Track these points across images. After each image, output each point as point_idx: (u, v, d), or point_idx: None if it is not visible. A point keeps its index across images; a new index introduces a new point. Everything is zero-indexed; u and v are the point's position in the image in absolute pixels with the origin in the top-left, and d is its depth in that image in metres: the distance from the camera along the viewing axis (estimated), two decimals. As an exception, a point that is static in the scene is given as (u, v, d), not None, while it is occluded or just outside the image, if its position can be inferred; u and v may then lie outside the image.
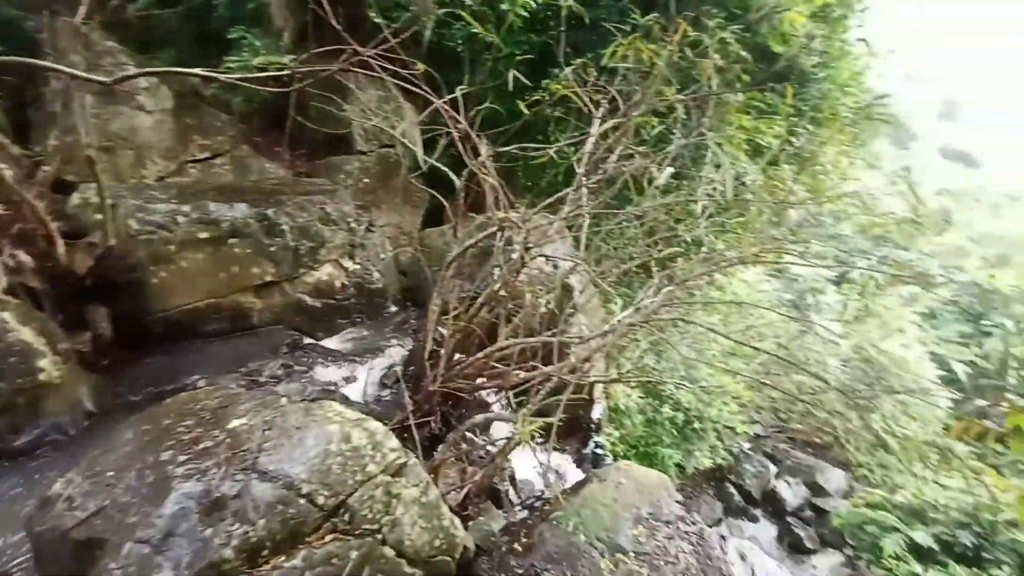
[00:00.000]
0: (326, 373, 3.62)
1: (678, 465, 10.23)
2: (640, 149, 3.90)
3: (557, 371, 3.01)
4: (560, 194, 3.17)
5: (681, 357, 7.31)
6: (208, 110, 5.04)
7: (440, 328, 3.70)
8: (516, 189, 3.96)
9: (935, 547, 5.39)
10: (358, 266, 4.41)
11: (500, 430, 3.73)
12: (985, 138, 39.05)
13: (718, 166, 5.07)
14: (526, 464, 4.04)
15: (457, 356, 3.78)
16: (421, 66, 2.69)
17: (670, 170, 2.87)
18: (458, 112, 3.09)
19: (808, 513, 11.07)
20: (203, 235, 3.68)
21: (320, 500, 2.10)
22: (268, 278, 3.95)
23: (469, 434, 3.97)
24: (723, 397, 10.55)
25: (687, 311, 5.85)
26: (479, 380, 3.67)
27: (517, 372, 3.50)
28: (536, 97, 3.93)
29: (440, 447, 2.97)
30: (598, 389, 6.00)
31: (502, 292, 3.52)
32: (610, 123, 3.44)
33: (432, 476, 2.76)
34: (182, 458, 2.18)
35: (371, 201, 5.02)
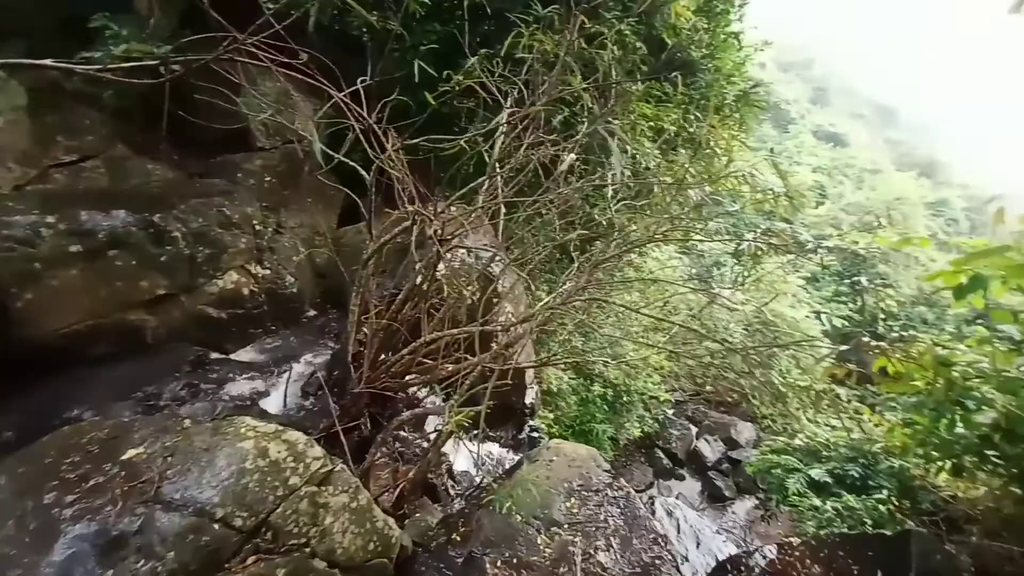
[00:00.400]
0: (239, 388, 3.36)
1: (612, 438, 10.80)
2: (551, 137, 4.00)
3: (484, 360, 3.03)
4: (472, 184, 3.16)
5: (606, 336, 7.65)
6: (73, 107, 4.40)
7: (363, 328, 3.58)
8: (431, 182, 3.89)
9: (830, 481, 6.08)
10: (268, 271, 4.10)
11: (436, 426, 3.70)
12: (848, 121, 44.51)
13: (625, 152, 5.33)
14: (464, 456, 4.04)
15: (383, 356, 3.67)
16: (304, 56, 2.53)
17: (572, 156, 2.96)
18: (362, 104, 2.96)
19: (726, 466, 12.20)
20: (75, 248, 3.22)
21: (237, 522, 1.96)
22: (161, 291, 3.55)
23: (402, 433, 3.90)
24: (647, 370, 11.24)
25: (607, 292, 6.12)
26: (408, 377, 3.60)
27: (445, 365, 3.47)
28: (445, 88, 3.87)
29: (370, 450, 2.88)
30: (529, 375, 6.13)
31: (424, 287, 3.46)
32: (519, 113, 3.49)
33: (363, 480, 2.68)
34: (69, 498, 1.94)
35: (278, 201, 4.67)
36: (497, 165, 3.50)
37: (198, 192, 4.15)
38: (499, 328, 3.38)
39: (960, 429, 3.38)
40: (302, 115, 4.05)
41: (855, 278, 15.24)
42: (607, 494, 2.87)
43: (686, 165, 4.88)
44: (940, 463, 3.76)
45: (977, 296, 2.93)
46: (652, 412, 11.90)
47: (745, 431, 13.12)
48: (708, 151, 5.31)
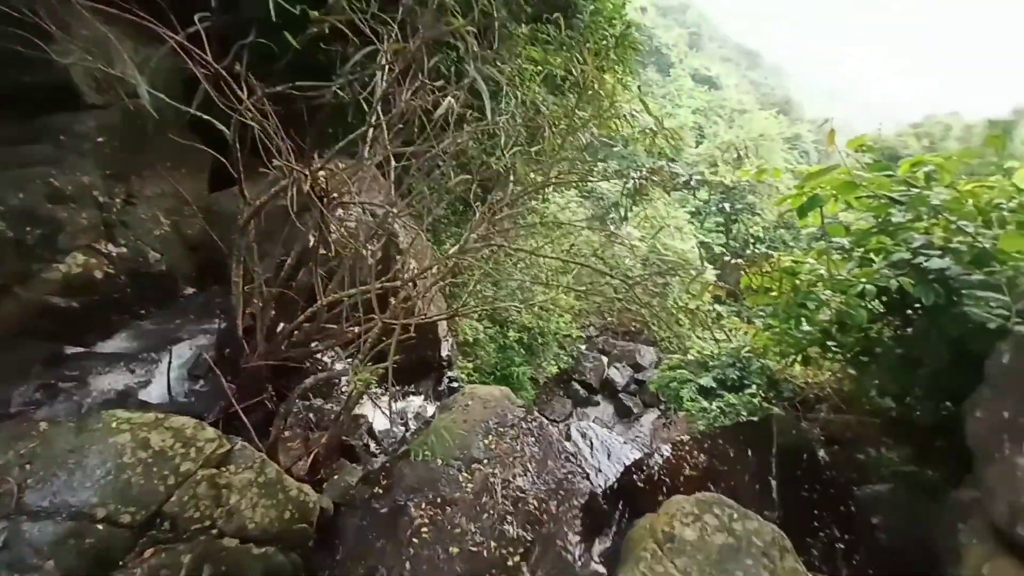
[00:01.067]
0: (109, 382, 2.96)
1: (532, 379, 11.39)
2: (437, 83, 3.80)
3: (386, 318, 2.95)
4: (352, 136, 2.93)
5: (516, 283, 7.82)
6: None
7: (253, 300, 3.29)
8: (310, 136, 3.55)
9: (715, 385, 6.94)
10: (124, 249, 3.54)
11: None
12: (720, 64, 47.70)
13: (515, 97, 5.24)
14: (383, 415, 4.01)
15: (279, 326, 3.43)
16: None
17: (451, 100, 2.85)
18: (207, 49, 2.56)
19: (633, 387, 13.50)
20: None
21: (125, 519, 1.79)
22: (-16, 284, 2.94)
23: (314, 401, 3.75)
24: (558, 312, 11.81)
25: (512, 239, 6.19)
26: (312, 345, 3.42)
27: (351, 328, 3.34)
28: (313, 30, 3.46)
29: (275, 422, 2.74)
30: (442, 328, 6.14)
31: (316, 249, 3.24)
32: (397, 55, 3.24)
33: (270, 453, 2.56)
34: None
35: (126, 167, 3.97)
36: (380, 113, 3.27)
37: (17, 162, 3.40)
38: (400, 284, 3.29)
39: (805, 327, 4.01)
40: (130, 64, 3.42)
41: (727, 208, 17.00)
42: (522, 427, 3.03)
43: (575, 109, 4.94)
44: (793, 357, 4.47)
45: (815, 214, 3.41)
46: (567, 349, 12.69)
47: (648, 355, 14.52)
48: (593, 94, 5.42)
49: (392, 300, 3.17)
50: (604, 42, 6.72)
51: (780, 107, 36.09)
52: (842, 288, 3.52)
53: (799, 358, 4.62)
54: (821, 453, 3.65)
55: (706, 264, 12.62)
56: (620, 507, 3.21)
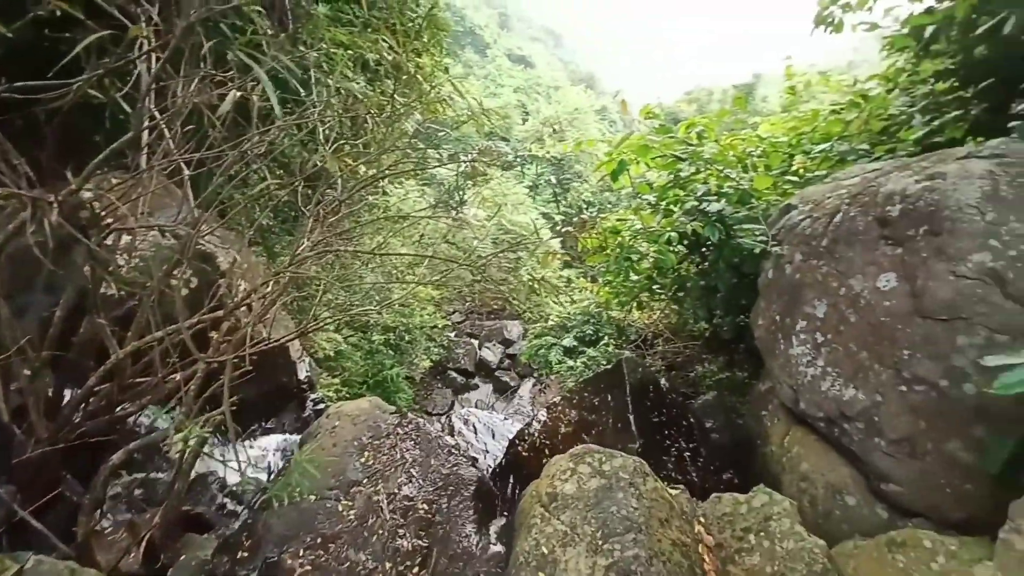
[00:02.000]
0: None
1: (407, 378, 11.10)
2: (228, 73, 3.29)
3: (215, 353, 2.54)
4: (117, 144, 2.37)
5: (370, 283, 7.42)
6: None
7: (20, 370, 2.53)
8: (58, 149, 2.79)
9: (576, 344, 7.57)
10: None
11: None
12: (530, 44, 50.75)
13: (329, 86, 4.85)
14: (237, 464, 3.50)
15: (67, 395, 2.73)
16: None
17: (236, 94, 2.50)
18: None
19: (507, 362, 14.10)
20: None
21: None
22: None
23: (142, 474, 3.09)
24: (420, 304, 11.60)
25: (355, 239, 5.82)
26: (120, 409, 2.79)
27: (172, 376, 2.80)
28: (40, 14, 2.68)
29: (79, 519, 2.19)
30: (294, 349, 5.57)
31: (99, 290, 2.61)
32: (160, 42, 2.70)
33: (84, 555, 2.05)
34: None
35: None
36: (154, 112, 2.73)
37: None
38: (224, 313, 2.85)
39: (634, 277, 4.59)
40: None
41: (556, 180, 18.51)
42: (398, 434, 2.93)
43: (394, 95, 4.78)
44: (629, 304, 5.11)
45: (625, 176, 3.90)
46: (436, 341, 12.63)
47: (515, 329, 15.24)
48: (410, 78, 5.31)
49: (218, 332, 2.73)
50: (411, 24, 6.57)
51: (587, 82, 39.98)
52: (654, 239, 4.10)
53: (634, 304, 5.31)
54: (663, 381, 4.26)
55: (549, 233, 13.58)
56: (511, 482, 3.35)
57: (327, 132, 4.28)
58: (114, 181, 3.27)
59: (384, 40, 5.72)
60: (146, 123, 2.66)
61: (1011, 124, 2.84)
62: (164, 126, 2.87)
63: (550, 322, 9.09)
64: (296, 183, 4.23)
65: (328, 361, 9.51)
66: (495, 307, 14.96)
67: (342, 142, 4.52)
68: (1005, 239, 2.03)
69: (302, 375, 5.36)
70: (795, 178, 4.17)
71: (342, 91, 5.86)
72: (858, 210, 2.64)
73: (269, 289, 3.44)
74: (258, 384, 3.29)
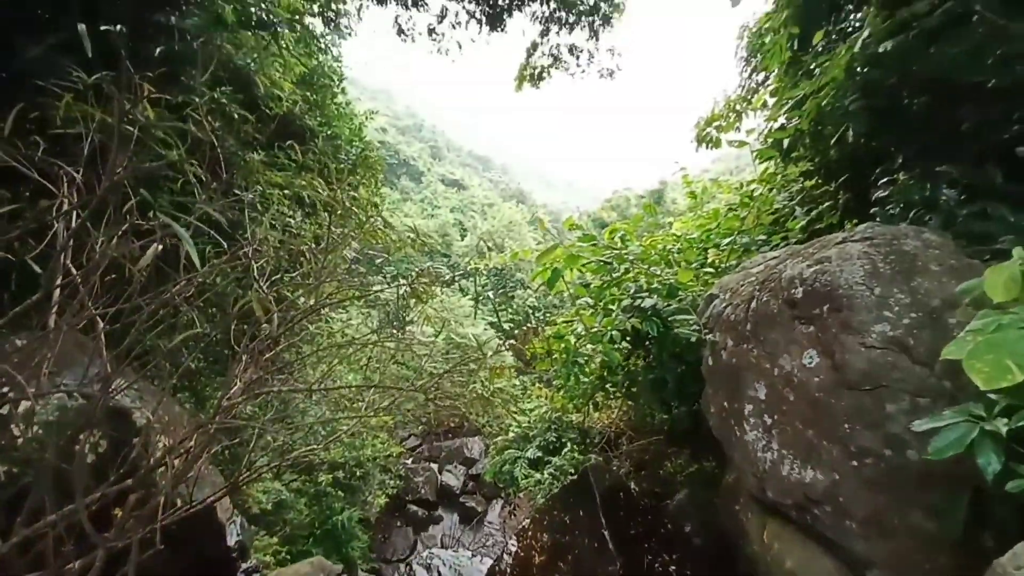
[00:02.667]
0: None
1: (361, 520, 9.88)
2: (156, 223, 3.28)
3: (125, 528, 2.17)
4: (22, 307, 2.22)
5: (313, 417, 6.91)
6: None
7: None
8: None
9: (540, 454, 7.20)
10: None
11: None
12: (462, 169, 55.70)
13: (261, 222, 4.95)
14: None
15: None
16: None
17: (157, 246, 2.49)
18: None
19: (471, 485, 13.07)
20: None
21: None
22: None
23: None
24: (371, 433, 10.82)
25: (295, 372, 5.54)
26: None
27: (68, 566, 2.33)
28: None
29: None
30: (223, 508, 4.89)
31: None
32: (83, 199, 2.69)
33: None
34: None
35: None
36: (68, 268, 2.62)
37: None
38: (132, 482, 2.50)
39: (584, 378, 4.63)
40: None
41: (503, 289, 19.17)
42: (346, 598, 2.53)
43: (330, 227, 4.95)
44: (585, 406, 5.07)
45: (560, 283, 4.13)
46: (392, 471, 11.60)
47: (475, 446, 14.42)
48: (345, 212, 5.57)
49: (124, 505, 2.35)
50: (345, 163, 7.07)
51: (517, 198, 43.61)
52: (597, 339, 4.23)
53: (591, 406, 5.27)
54: (632, 485, 4.10)
55: (499, 342, 13.65)
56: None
57: (263, 267, 4.28)
58: (18, 343, 3.01)
59: (322, 180, 6.06)
60: (59, 280, 2.53)
61: (873, 210, 3.37)
62: (80, 281, 2.75)
63: (511, 434, 8.71)
64: (229, 321, 4.08)
65: (266, 516, 8.38)
66: (453, 425, 14.26)
67: (279, 276, 4.51)
68: (896, 310, 2.28)
69: (231, 540, 4.63)
70: (711, 269, 4.58)
71: (278, 227, 6.00)
72: (769, 295, 2.90)
73: (193, 443, 3.09)
74: (175, 561, 2.80)
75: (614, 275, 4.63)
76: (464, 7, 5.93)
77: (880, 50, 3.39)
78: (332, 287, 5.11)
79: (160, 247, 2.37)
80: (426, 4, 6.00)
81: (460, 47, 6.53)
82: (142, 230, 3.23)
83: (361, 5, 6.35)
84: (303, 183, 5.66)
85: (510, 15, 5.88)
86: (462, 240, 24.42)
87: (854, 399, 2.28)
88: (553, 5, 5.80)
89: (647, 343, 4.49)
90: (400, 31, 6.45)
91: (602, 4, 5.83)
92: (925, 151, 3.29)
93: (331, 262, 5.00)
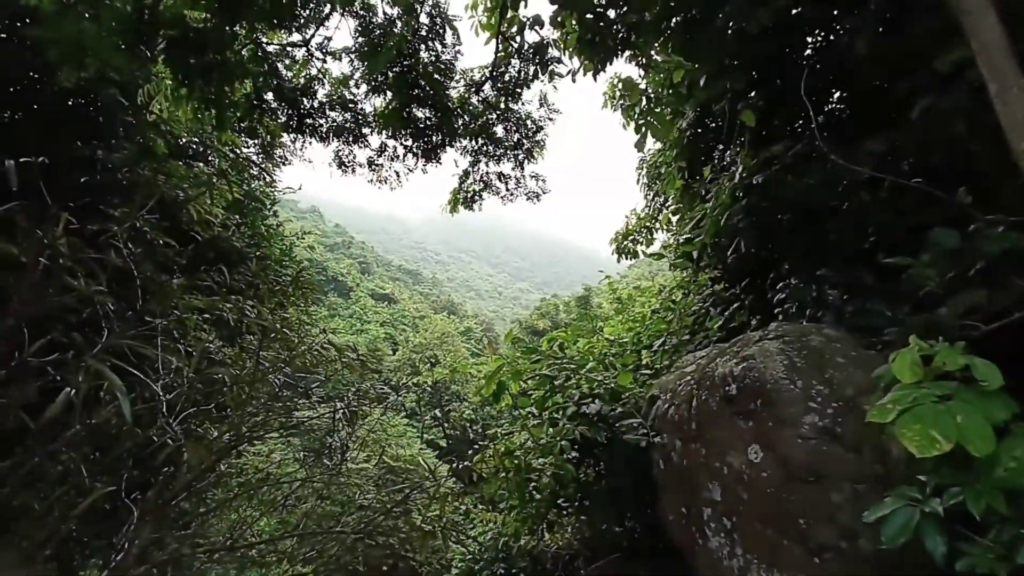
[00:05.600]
0: None
1: None
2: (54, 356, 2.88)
3: None
4: None
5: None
6: None
7: None
8: None
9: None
10: None
11: None
12: (391, 283, 56.04)
13: (181, 351, 4.53)
14: None
15: None
16: None
17: (69, 391, 2.19)
18: None
19: (408, 643, 11.05)
20: None
21: None
22: None
23: None
24: (286, 590, 9.11)
25: (201, 525, 4.71)
26: None
27: None
28: None
29: None
30: None
31: None
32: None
33: None
34: None
35: None
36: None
37: None
38: None
39: (537, 496, 4.38)
40: None
41: (438, 404, 18.42)
42: None
43: (259, 351, 4.63)
44: (539, 527, 4.71)
45: (506, 397, 4.08)
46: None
47: (413, 590, 12.52)
48: (276, 333, 5.30)
49: None
50: (275, 284, 6.91)
51: (448, 309, 44.02)
52: (547, 452, 4.12)
53: (544, 527, 4.91)
54: (599, 617, 3.72)
55: (437, 464, 12.72)
56: None
57: (175, 401, 3.82)
58: None
59: (248, 302, 5.81)
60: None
61: (776, 310, 3.82)
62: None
63: (454, 570, 7.76)
64: (128, 468, 3.49)
65: None
66: (387, 566, 12.40)
67: (193, 409, 4.03)
68: (819, 400, 2.50)
69: None
70: (648, 371, 4.79)
71: (195, 354, 5.50)
72: (707, 393, 3.06)
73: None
74: None
75: (556, 383, 4.67)
76: (401, 143, 6.51)
77: (753, 181, 4.13)
78: (256, 418, 4.63)
79: (73, 391, 2.08)
80: (366, 140, 6.51)
81: (398, 176, 7.01)
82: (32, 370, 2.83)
83: (303, 143, 6.75)
84: (229, 306, 5.37)
85: (444, 150, 6.53)
86: (393, 355, 23.76)
87: (802, 492, 2.36)
88: (481, 141, 6.58)
89: (596, 451, 4.43)
90: (341, 164, 6.85)
91: (524, 141, 6.70)
92: (806, 257, 3.89)
93: (256, 390, 4.59)
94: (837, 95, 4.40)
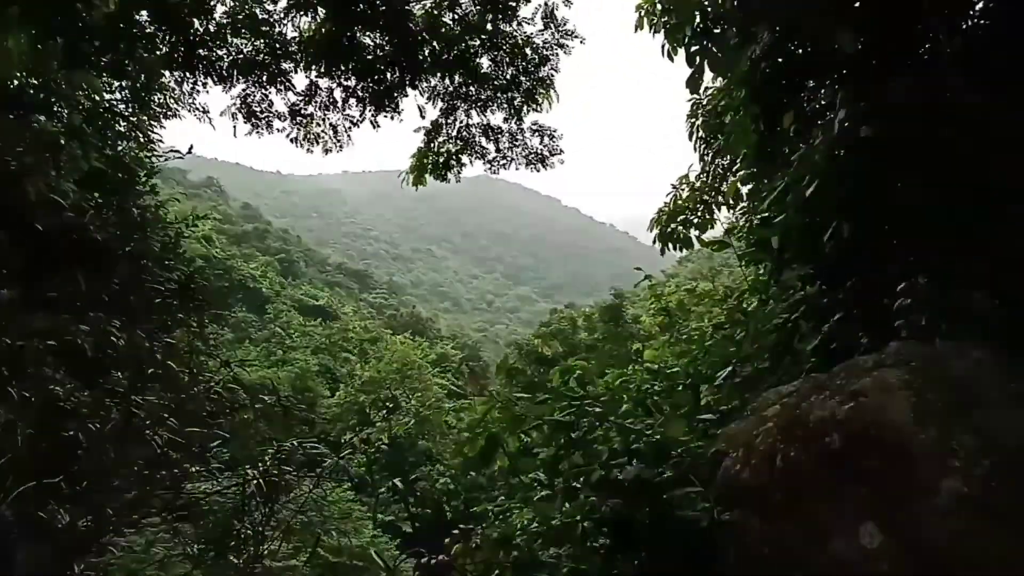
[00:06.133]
0: None
1: None
2: None
3: None
4: None
5: None
6: None
7: None
8: None
9: None
10: None
11: None
12: (327, 291, 56.34)
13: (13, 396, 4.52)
14: None
15: None
16: None
17: None
18: None
19: None
20: None
21: None
22: None
23: None
24: None
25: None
26: None
27: None
28: None
29: None
30: None
31: None
32: None
33: None
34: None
35: None
36: None
37: None
38: None
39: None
40: None
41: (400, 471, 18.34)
42: None
43: (130, 395, 4.61)
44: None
45: (500, 455, 4.07)
46: None
47: None
48: (158, 369, 5.26)
49: None
50: (158, 297, 6.88)
51: (412, 327, 44.01)
52: (563, 539, 4.11)
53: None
54: None
55: (398, 558, 12.64)
56: None
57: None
58: None
59: (110, 319, 5.79)
60: None
61: (897, 322, 3.84)
62: None
63: None
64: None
65: None
66: None
67: (31, 486, 4.01)
68: (963, 456, 2.50)
69: None
70: (710, 416, 4.80)
71: (34, 401, 5.48)
72: (797, 449, 3.06)
73: None
74: None
75: (574, 435, 4.65)
76: (340, 83, 6.47)
77: (860, 134, 4.16)
78: (127, 495, 4.61)
79: None
80: (288, 81, 6.49)
81: (336, 133, 6.98)
82: None
83: (194, 85, 6.74)
84: (85, 329, 5.35)
85: (403, 93, 6.48)
86: (332, 397, 23.61)
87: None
88: (459, 80, 6.51)
89: (635, 536, 4.42)
90: (251, 115, 6.84)
91: (523, 79, 6.65)
92: (940, 247, 3.91)
93: (127, 453, 4.57)
94: (980, 5, 4.45)
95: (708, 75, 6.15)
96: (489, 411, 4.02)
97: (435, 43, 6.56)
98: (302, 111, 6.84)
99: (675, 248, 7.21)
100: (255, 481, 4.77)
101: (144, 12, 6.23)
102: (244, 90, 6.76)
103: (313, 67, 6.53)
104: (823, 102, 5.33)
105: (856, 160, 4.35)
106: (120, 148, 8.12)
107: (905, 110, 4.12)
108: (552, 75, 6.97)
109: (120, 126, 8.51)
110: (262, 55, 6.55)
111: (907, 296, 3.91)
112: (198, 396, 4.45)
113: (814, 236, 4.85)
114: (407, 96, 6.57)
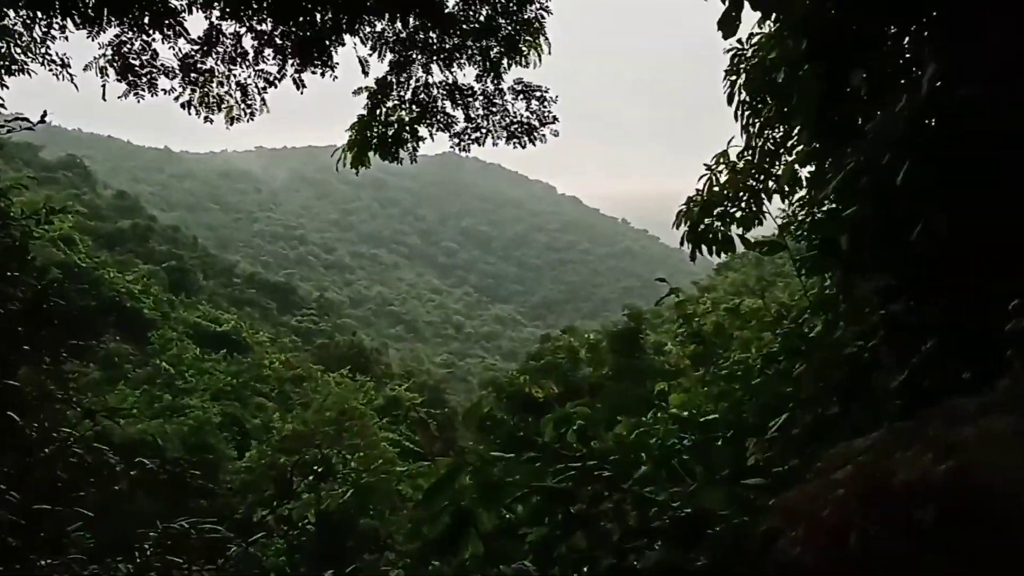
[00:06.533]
0: None
1: None
2: None
3: None
4: None
5: None
6: None
7: None
8: None
9: None
10: None
11: None
12: (234, 313, 56.23)
13: None
14: None
15: None
16: None
17: None
18: None
19: None
20: None
21: None
22: None
23: None
24: None
25: None
26: None
27: None
28: None
29: None
30: None
31: None
32: None
33: None
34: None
35: None
36: None
37: None
38: None
39: None
40: None
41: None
42: None
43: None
44: None
45: (472, 537, 4.04)
46: None
47: None
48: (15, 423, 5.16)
49: None
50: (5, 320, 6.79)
51: (353, 361, 43.76)
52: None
53: None
54: None
55: None
56: None
57: None
58: None
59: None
60: None
61: (1008, 352, 3.88)
62: None
63: None
64: None
65: None
66: None
67: None
68: (1096, 532, 2.53)
69: None
70: (758, 480, 4.82)
71: None
72: (876, 523, 3.08)
73: None
74: None
75: (574, 509, 4.66)
76: (251, 27, 6.36)
77: (961, 95, 4.22)
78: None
79: None
80: (178, 23, 6.42)
81: (246, 95, 6.93)
82: None
83: (49, 29, 6.69)
84: None
85: (339, 41, 6.37)
86: (240, 457, 23.25)
87: None
88: (414, 23, 6.40)
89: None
90: (127, 70, 6.77)
91: (502, 23, 6.55)
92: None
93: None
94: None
95: (750, 13, 6.04)
96: (456, 476, 3.99)
97: (382, -26, 6.54)
98: (198, 65, 6.71)
99: (710, 252, 7.22)
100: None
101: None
102: (118, 36, 6.70)
103: (214, 4, 6.48)
104: (907, 56, 5.41)
105: (952, 132, 4.40)
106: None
107: (1020, 62, 4.18)
108: (542, 16, 6.95)
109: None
110: (141, -14, 6.51)
111: (1022, 317, 3.95)
112: (50, 459, 4.40)
113: (898, 235, 4.90)
114: (343, 45, 6.47)
